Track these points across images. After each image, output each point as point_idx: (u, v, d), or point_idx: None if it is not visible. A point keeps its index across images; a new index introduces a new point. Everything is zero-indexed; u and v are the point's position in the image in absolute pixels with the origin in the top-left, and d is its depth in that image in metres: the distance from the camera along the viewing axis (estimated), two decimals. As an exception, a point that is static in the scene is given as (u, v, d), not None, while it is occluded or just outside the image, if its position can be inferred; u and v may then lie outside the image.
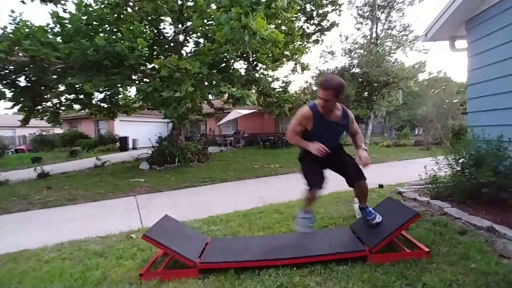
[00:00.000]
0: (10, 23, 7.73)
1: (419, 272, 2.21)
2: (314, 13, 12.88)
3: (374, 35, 15.22)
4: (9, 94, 8.60)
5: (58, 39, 7.87)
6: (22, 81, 8.81)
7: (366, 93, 13.05)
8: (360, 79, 12.29)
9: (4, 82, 8.34)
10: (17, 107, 9.13)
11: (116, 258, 2.87)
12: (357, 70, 12.56)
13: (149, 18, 9.59)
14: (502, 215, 3.15)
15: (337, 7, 13.00)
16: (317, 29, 13.43)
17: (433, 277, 2.14)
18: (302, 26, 12.97)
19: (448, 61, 54.85)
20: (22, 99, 8.74)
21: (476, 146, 3.63)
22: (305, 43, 13.01)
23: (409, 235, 2.80)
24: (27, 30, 6.95)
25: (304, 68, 12.62)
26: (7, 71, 8.22)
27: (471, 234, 2.84)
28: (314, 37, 13.64)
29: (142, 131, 21.01)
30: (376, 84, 12.06)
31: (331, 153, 2.50)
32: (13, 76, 8.43)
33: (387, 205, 3.08)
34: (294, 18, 11.37)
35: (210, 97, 11.29)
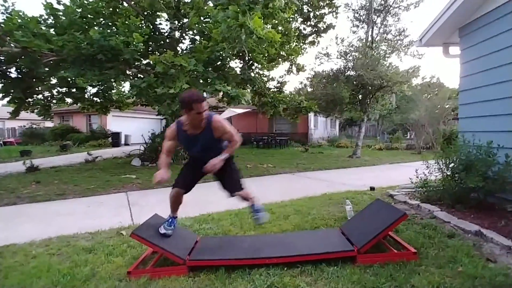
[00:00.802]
0: (2, 13, 7.58)
1: (408, 274, 2.24)
2: (311, 15, 12.94)
3: (369, 38, 15.35)
4: (-1, 85, 8.43)
5: (52, 31, 7.72)
6: (13, 73, 8.63)
7: (360, 96, 13.18)
8: (354, 82, 12.40)
9: (-6, 73, 8.17)
10: (7, 99, 8.95)
11: (106, 254, 2.84)
12: (352, 72, 12.66)
13: (145, 13, 9.50)
14: (490, 220, 3.22)
15: (334, 9, 13.08)
16: (313, 30, 13.49)
17: (422, 279, 2.17)
18: (298, 27, 13.03)
19: (442, 67, 55.75)
20: (12, 90, 8.56)
21: (466, 152, 3.70)
22: (301, 44, 13.06)
23: (398, 237, 2.83)
24: (19, 20, 6.80)
25: (300, 69, 12.67)
26: (-3, 61, 8.05)
27: (459, 238, 2.89)
28: (310, 39, 13.71)
29: (135, 127, 20.84)
30: (370, 87, 12.19)
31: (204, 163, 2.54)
32: (4, 67, 8.25)
33: (376, 206, 3.12)
34: (291, 19, 11.38)
35: (204, 94, 11.23)
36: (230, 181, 2.72)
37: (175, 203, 2.79)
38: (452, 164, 3.83)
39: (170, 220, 2.81)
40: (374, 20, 15.80)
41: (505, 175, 3.34)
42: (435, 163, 4.05)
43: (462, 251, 2.58)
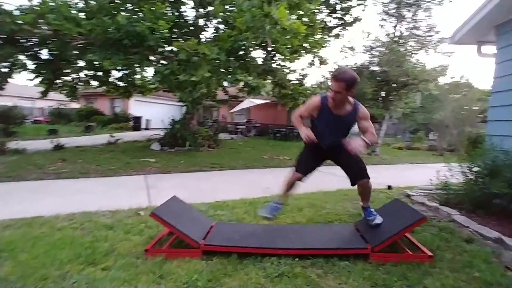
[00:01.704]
0: (37, -4, 7.84)
1: (421, 275, 2.22)
2: (338, 7, 12.56)
3: (397, 33, 14.77)
4: (31, 65, 8.80)
5: (81, 15, 7.95)
6: (44, 54, 8.98)
7: (383, 92, 12.80)
8: (378, 78, 12.05)
9: (27, 54, 8.52)
10: (38, 79, 9.34)
11: (124, 232, 2.97)
12: (376, 68, 12.29)
13: (171, 0, 9.56)
14: (512, 228, 3.10)
15: (362, 1, 12.64)
16: (339, 23, 13.12)
17: (435, 281, 2.14)
18: (324, 19, 12.69)
19: (472, 67, 53.05)
20: (43, 71, 8.93)
21: (493, 156, 3.55)
22: (326, 36, 12.75)
23: (413, 238, 2.79)
24: (52, 4, 7.03)
25: (322, 62, 12.37)
26: (30, 43, 8.38)
27: (477, 244, 2.81)
28: (335, 31, 13.34)
29: (156, 112, 21.27)
30: (394, 84, 11.81)
31: (335, 147, 2.54)
32: (36, 49, 8.60)
33: (394, 206, 3.08)
34: (317, 10, 11.12)
35: (225, 84, 11.27)
36: (356, 167, 2.63)
37: (290, 187, 2.78)
38: (477, 168, 3.69)
39: (278, 206, 2.82)
40: (404, 15, 15.15)
41: (533, 182, 3.20)
42: (458, 166, 3.92)
43: (479, 257, 2.51)
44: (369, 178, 2.64)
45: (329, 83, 2.52)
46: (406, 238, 2.78)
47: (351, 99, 2.54)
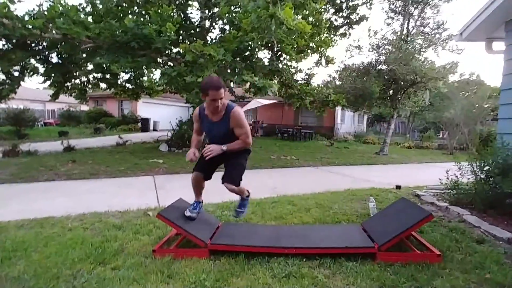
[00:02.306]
0: (46, 1, 8.00)
1: (430, 276, 2.19)
2: (344, 5, 12.50)
3: (404, 31, 14.58)
4: (41, 69, 8.99)
5: (89, 18, 8.08)
6: (54, 58, 9.16)
7: (391, 91, 12.66)
8: (386, 77, 11.92)
9: (38, 57, 8.70)
10: (48, 82, 9.53)
11: (133, 232, 3.01)
12: (383, 67, 12.16)
13: (177, 2, 9.64)
14: (525, 228, 3.04)
15: (368, 0, 12.55)
16: (345, 22, 13.05)
17: (445, 282, 2.11)
18: (330, 18, 12.64)
19: (483, 64, 52.06)
20: (53, 75, 9.11)
21: (505, 155, 3.49)
22: (332, 35, 12.70)
23: (422, 238, 2.76)
24: (61, 8, 7.16)
25: (329, 61, 12.34)
26: (40, 47, 8.56)
27: (489, 244, 2.76)
28: (341, 30, 13.28)
29: (164, 113, 21.47)
30: (402, 83, 11.67)
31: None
32: (46, 53, 8.77)
33: (400, 205, 3.05)
34: (322, 10, 11.07)
35: (231, 84, 11.31)
36: (230, 172, 2.72)
37: (196, 187, 2.89)
38: (488, 167, 3.63)
39: (195, 204, 2.93)
40: (411, 12, 14.96)
41: (546, 181, 3.13)
42: (469, 165, 3.86)
43: (491, 258, 2.47)
44: (234, 184, 2.67)
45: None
46: (414, 238, 2.75)
47: (225, 103, 2.54)
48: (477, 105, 14.09)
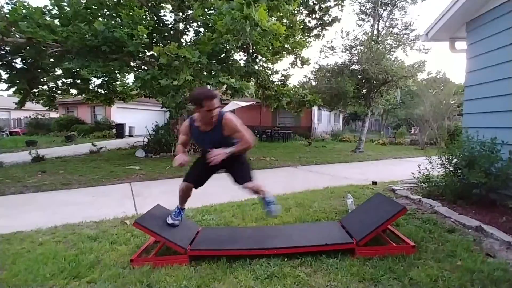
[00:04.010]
0: (7, 3, 7.56)
1: (407, 267, 2.27)
2: (316, 7, 12.77)
3: (375, 32, 15.15)
4: (4, 75, 8.49)
5: (56, 21, 7.73)
6: (18, 63, 8.69)
7: (365, 90, 13.09)
8: (359, 76, 12.30)
9: (0, 63, 8.22)
10: (12, 89, 9.02)
11: (110, 243, 2.90)
12: (356, 66, 12.55)
13: (149, 4, 9.43)
14: (491, 216, 3.23)
15: (339, 2, 12.90)
16: (318, 23, 13.34)
17: (420, 272, 2.20)
18: (303, 20, 12.87)
19: (449, 62, 54.97)
20: (18, 81, 8.63)
21: (470, 148, 3.69)
22: (306, 37, 12.93)
23: (397, 231, 2.86)
24: (24, 11, 6.80)
25: (304, 62, 12.58)
26: (3, 52, 8.09)
27: (459, 233, 2.91)
28: (315, 32, 13.56)
29: (139, 118, 20.91)
30: (375, 82, 12.09)
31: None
32: (9, 58, 8.30)
33: (376, 200, 3.14)
34: (296, 11, 11.26)
35: (208, 87, 11.22)
36: (239, 173, 2.70)
37: (184, 196, 2.82)
38: (455, 160, 3.83)
39: (177, 211, 2.86)
40: (381, 14, 15.58)
41: (508, 171, 3.34)
42: (438, 158, 4.05)
43: (461, 245, 2.60)
44: (250, 181, 2.67)
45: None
46: (390, 231, 2.85)
47: (216, 113, 2.47)
48: (444, 102, 14.86)
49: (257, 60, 10.99)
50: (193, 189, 2.81)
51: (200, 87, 2.70)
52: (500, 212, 3.31)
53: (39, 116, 22.52)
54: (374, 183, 5.48)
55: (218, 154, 2.44)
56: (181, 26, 10.10)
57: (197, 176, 2.77)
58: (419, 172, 4.36)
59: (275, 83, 12.07)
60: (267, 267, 2.33)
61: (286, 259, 2.44)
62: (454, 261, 2.36)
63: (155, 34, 9.47)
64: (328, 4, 12.81)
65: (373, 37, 14.05)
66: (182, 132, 2.75)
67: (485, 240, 2.73)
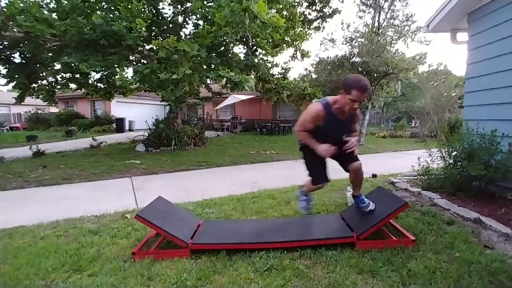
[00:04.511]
0: (5, -3, 7.49)
1: (405, 259, 2.29)
2: (317, -1, 12.61)
3: (376, 24, 14.99)
4: (3, 70, 8.45)
5: (54, 15, 7.65)
6: (16, 58, 8.63)
7: (365, 83, 12.99)
8: (359, 69, 12.20)
9: (-2, 58, 8.18)
10: (11, 84, 8.98)
11: (111, 236, 2.92)
12: (357, 59, 12.46)
13: (148, -3, 9.34)
14: (490, 208, 3.24)
15: (340, -7, 12.74)
16: (319, 15, 13.18)
17: (418, 264, 2.21)
18: (303, 12, 12.73)
19: (450, 54, 54.53)
20: (16, 76, 8.58)
21: (470, 140, 3.68)
22: (306, 29, 12.81)
23: (397, 224, 2.87)
24: (21, 4, 6.73)
25: (304, 55, 12.47)
26: (1, 46, 8.03)
27: (458, 225, 2.92)
28: (315, 24, 13.40)
29: (139, 113, 20.89)
30: (375, 74, 12.01)
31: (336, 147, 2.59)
32: (8, 52, 8.25)
33: (377, 194, 3.15)
34: (296, 3, 11.14)
35: (208, 81, 11.16)
36: (350, 154, 2.67)
37: (315, 190, 3.01)
38: (455, 153, 3.82)
39: (308, 197, 3.08)
40: (382, 5, 15.37)
41: (507, 163, 3.34)
42: (438, 151, 4.05)
43: (460, 237, 2.61)
44: (359, 161, 2.74)
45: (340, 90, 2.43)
46: (389, 224, 2.86)
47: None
48: (445, 94, 14.77)
49: (257, 53, 10.91)
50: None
51: (359, 76, 2.50)
52: (499, 204, 3.31)
53: (39, 111, 22.50)
54: (374, 176, 5.49)
55: (355, 143, 2.54)
56: (180, 19, 10.01)
57: (326, 172, 2.84)
58: (419, 165, 4.36)
59: (275, 76, 12.00)
60: (267, 260, 2.35)
61: (285, 252, 2.46)
62: (452, 253, 2.37)
63: (154, 28, 9.40)
64: (328, -5, 12.64)
65: (374, 29, 13.91)
66: (312, 120, 2.56)
67: (484, 232, 2.74)
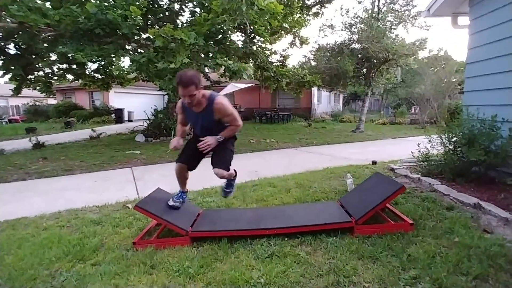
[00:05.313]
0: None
1: (405, 244, 2.31)
2: (316, -16, 12.35)
3: (375, 9, 14.72)
4: (-2, 62, 8.36)
5: (47, 4, 7.51)
6: (11, 49, 8.52)
7: (365, 69, 12.89)
8: (359, 55, 12.08)
9: (-8, 49, 8.08)
10: (7, 76, 8.90)
11: (113, 226, 2.95)
12: (356, 45, 12.30)
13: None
14: (489, 193, 3.26)
15: (339, -23, 12.47)
16: (317, 1, 12.93)
17: (418, 249, 2.24)
18: (302, -3, 12.47)
19: (450, 39, 53.80)
20: (12, 67, 8.49)
21: (470, 125, 3.67)
22: (305, 15, 12.58)
23: (396, 209, 2.89)
24: (13, -6, 6.61)
25: (303, 42, 12.28)
26: (-6, 38, 7.93)
27: (457, 210, 2.94)
28: (314, 10, 13.16)
29: (138, 103, 20.79)
30: (375, 61, 11.89)
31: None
32: (2, 43, 8.13)
33: (375, 179, 3.16)
34: (294, -11, 10.88)
35: (206, 70, 11.03)
36: (218, 157, 2.66)
37: (180, 178, 2.83)
38: (455, 138, 3.81)
39: (179, 194, 2.88)
40: (382, -11, 15.05)
41: (507, 149, 3.33)
42: (438, 137, 4.04)
43: (459, 222, 2.63)
44: (223, 169, 2.62)
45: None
46: (388, 210, 2.88)
47: (206, 95, 2.47)
48: (445, 80, 14.67)
49: (255, 41, 10.75)
50: (189, 171, 2.80)
51: (184, 71, 2.51)
52: (499, 189, 3.33)
53: (37, 103, 22.37)
54: (374, 162, 5.50)
55: (210, 143, 2.47)
56: (176, 6, 9.82)
57: (189, 156, 2.74)
58: (419, 151, 4.36)
59: (274, 64, 11.86)
60: (268, 247, 2.38)
61: (286, 239, 2.48)
62: (451, 238, 2.39)
63: (149, 16, 9.24)
64: (327, -20, 12.38)
65: (374, 14, 13.66)
66: (178, 111, 2.73)
67: (483, 216, 2.76)
